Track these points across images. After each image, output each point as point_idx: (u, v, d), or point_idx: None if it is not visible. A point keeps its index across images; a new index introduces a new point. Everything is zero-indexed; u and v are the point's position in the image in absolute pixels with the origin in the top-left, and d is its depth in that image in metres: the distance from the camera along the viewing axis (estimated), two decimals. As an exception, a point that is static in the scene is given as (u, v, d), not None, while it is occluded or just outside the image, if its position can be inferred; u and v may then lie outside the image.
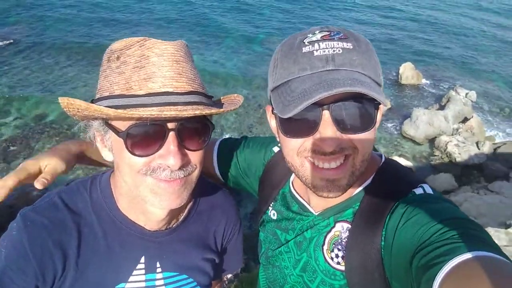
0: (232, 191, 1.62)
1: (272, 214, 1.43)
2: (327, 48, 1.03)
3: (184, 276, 1.38)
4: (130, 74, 1.06)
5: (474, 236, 0.90)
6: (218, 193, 1.52)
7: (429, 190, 1.13)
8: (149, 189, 1.13)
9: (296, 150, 1.12)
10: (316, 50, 1.03)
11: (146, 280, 1.30)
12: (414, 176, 1.19)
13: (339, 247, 1.18)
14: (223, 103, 1.30)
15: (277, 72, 1.10)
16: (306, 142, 1.09)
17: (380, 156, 1.30)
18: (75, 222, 1.21)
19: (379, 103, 1.05)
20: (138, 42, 1.09)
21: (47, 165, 1.26)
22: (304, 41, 1.06)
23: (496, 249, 0.86)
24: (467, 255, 0.82)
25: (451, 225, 0.94)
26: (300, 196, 1.33)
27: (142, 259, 1.30)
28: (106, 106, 1.05)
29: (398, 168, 1.23)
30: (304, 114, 1.03)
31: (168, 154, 1.08)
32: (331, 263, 1.20)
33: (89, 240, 1.23)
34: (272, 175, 1.40)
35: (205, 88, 1.17)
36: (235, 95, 1.32)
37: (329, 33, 1.06)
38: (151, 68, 1.06)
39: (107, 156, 1.20)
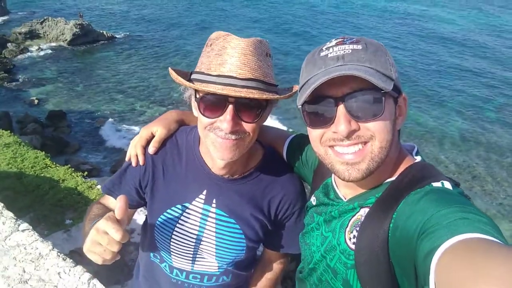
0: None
1: (313, 199, 1.56)
2: (339, 50, 1.20)
3: (232, 220, 1.67)
4: (212, 58, 1.39)
5: (478, 221, 0.94)
6: (286, 174, 1.74)
7: (448, 186, 1.16)
8: (211, 141, 1.47)
9: (319, 140, 1.27)
10: (330, 53, 1.21)
11: (203, 209, 1.67)
12: (441, 175, 1.23)
13: (357, 228, 1.26)
14: (286, 91, 1.54)
15: (303, 75, 1.30)
16: (327, 132, 1.24)
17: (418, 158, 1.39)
18: (172, 152, 1.70)
19: (391, 93, 1.18)
20: (223, 36, 1.41)
21: (156, 130, 1.70)
22: (322, 48, 1.25)
23: (498, 235, 0.90)
24: (468, 235, 0.87)
25: (458, 211, 0.98)
26: (337, 186, 1.46)
27: (204, 192, 1.67)
28: (193, 78, 1.43)
29: (427, 167, 1.29)
30: (322, 107, 1.21)
31: (224, 120, 1.39)
32: (348, 243, 1.28)
33: (176, 165, 1.69)
34: (323, 168, 1.51)
35: (269, 77, 1.43)
36: (296, 86, 1.51)
37: (343, 39, 1.24)
38: (225, 57, 1.36)
39: (194, 112, 1.54)
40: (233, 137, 1.42)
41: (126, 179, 1.71)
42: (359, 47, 1.20)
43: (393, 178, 1.28)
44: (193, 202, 1.66)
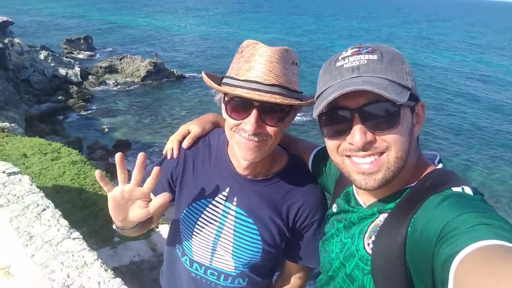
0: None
1: (334, 207, 1.58)
2: (354, 61, 1.21)
3: (251, 220, 1.73)
4: (241, 64, 1.49)
5: (499, 227, 0.92)
6: (309, 183, 1.78)
7: (468, 191, 1.14)
8: (235, 142, 1.57)
9: (335, 149, 1.29)
10: (346, 64, 1.22)
11: (224, 206, 1.76)
12: (462, 181, 1.20)
13: (376, 234, 1.25)
14: (310, 98, 1.58)
15: (319, 84, 1.32)
16: (343, 142, 1.26)
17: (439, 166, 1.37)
18: (204, 150, 1.83)
19: (407, 104, 1.17)
20: (253, 44, 1.51)
21: (192, 128, 1.85)
22: (338, 57, 1.27)
23: None
24: (488, 242, 0.86)
25: (478, 216, 0.97)
26: (357, 193, 1.48)
27: (227, 189, 1.76)
28: (223, 82, 1.53)
29: (448, 173, 1.26)
30: (338, 118, 1.23)
31: (248, 122, 1.48)
32: (366, 249, 1.28)
33: (205, 162, 1.81)
34: (344, 177, 1.52)
35: (293, 84, 1.51)
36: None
37: (358, 49, 1.25)
38: (253, 63, 1.46)
39: (223, 114, 1.63)
40: (256, 139, 1.52)
41: (161, 171, 1.77)
42: (375, 57, 1.21)
43: (414, 184, 1.28)
44: (216, 198, 1.77)
